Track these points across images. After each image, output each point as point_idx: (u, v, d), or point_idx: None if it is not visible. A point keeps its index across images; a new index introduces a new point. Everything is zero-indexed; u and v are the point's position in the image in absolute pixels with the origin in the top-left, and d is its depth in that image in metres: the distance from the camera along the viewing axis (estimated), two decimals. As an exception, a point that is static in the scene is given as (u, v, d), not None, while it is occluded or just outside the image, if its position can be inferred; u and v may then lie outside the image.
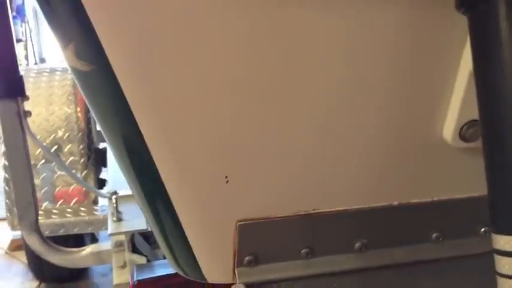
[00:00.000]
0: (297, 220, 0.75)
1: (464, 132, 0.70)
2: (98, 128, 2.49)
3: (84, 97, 0.67)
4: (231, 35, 0.60)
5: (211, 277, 0.79)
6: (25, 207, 1.89)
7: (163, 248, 0.84)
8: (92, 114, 0.68)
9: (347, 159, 0.73)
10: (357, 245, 0.80)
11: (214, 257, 0.77)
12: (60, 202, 2.32)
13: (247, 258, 0.76)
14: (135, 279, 1.48)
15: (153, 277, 1.49)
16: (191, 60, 0.60)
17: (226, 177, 0.68)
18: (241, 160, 0.68)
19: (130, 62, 0.58)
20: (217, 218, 0.73)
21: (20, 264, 3.11)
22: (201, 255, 0.77)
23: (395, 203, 0.78)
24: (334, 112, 0.68)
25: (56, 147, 2.36)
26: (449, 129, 0.71)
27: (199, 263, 0.78)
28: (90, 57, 0.59)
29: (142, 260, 1.75)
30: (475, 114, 0.69)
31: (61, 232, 2.29)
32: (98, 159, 2.52)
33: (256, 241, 0.75)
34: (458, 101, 0.69)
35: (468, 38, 0.65)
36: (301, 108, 0.67)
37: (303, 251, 0.78)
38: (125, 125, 0.65)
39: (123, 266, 1.77)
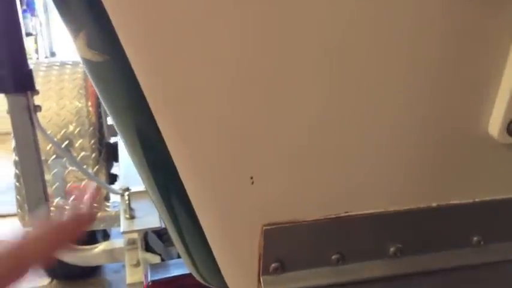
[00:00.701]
0: (327, 224, 0.69)
1: (514, 127, 0.64)
2: (109, 122, 2.44)
3: (96, 89, 0.61)
4: (253, 27, 0.53)
5: (233, 285, 0.73)
6: (36, 203, 1.86)
7: (181, 252, 0.79)
8: (104, 107, 0.63)
9: (382, 157, 0.66)
10: (392, 250, 0.73)
11: (237, 264, 0.71)
12: (71, 198, 2.28)
13: (273, 265, 0.70)
14: (149, 279, 1.44)
15: (168, 277, 1.44)
16: (214, 51, 0.53)
17: (251, 178, 0.62)
18: (268, 159, 0.62)
19: (148, 52, 0.52)
20: (241, 222, 0.67)
21: (31, 260, 3.08)
22: (223, 261, 0.71)
23: (434, 204, 0.72)
24: (368, 107, 0.62)
25: (66, 142, 2.31)
26: (495, 124, 0.65)
27: (221, 270, 0.72)
28: (102, 47, 0.53)
29: (156, 259, 1.70)
30: (526, 107, 0.63)
31: (72, 229, 2.24)
32: (110, 154, 2.47)
33: (283, 247, 0.70)
34: (507, 93, 0.62)
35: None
36: (333, 103, 0.60)
37: (333, 257, 0.72)
38: (139, 119, 0.59)
39: (137, 265, 1.73)
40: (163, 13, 0.51)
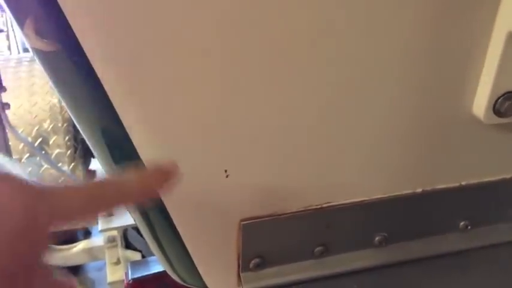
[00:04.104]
0: (308, 215, 0.65)
1: (500, 106, 0.60)
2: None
3: (51, 83, 0.56)
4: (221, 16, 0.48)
5: (212, 284, 0.69)
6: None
7: (155, 251, 0.75)
8: (64, 105, 0.57)
9: (362, 142, 0.63)
10: (377, 239, 0.71)
11: (215, 262, 0.68)
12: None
13: (253, 261, 0.67)
14: (129, 277, 1.39)
15: (149, 274, 1.40)
16: (181, 36, 0.49)
17: (225, 171, 0.58)
18: (242, 151, 0.58)
19: (104, 39, 0.47)
20: (217, 218, 0.63)
21: (11, 261, 3.00)
22: (199, 260, 0.67)
23: (419, 190, 0.69)
24: (346, 88, 0.58)
25: (40, 139, 2.24)
26: (481, 103, 0.61)
27: (199, 269, 0.68)
28: (53, 34, 0.48)
29: (136, 255, 1.66)
30: (512, 84, 0.60)
31: (50, 229, 2.18)
32: (86, 150, 2.40)
33: (263, 241, 0.66)
34: (493, 68, 0.58)
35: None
36: (309, 90, 0.56)
37: (316, 249, 0.69)
38: (101, 115, 0.55)
39: (117, 263, 1.68)
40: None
